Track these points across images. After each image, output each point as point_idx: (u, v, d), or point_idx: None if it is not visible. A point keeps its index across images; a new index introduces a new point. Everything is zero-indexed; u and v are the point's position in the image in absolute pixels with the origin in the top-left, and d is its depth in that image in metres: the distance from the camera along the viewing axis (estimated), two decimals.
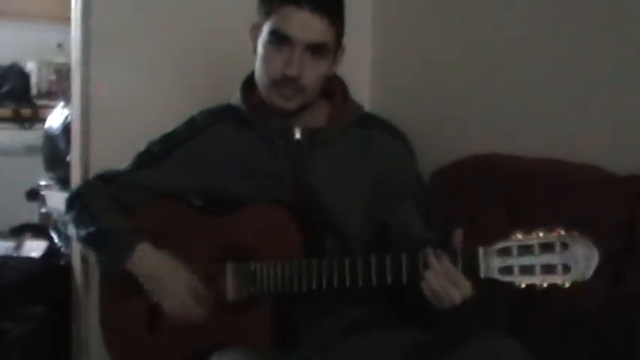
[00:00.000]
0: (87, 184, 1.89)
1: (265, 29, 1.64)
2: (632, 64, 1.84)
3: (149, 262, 1.65)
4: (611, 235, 1.71)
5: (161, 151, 1.79)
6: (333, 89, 1.73)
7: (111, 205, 1.76)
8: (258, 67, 1.68)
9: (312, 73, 1.63)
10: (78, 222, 1.77)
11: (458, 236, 1.47)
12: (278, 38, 1.61)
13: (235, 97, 1.77)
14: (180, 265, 1.66)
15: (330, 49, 1.64)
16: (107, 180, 1.82)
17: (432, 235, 1.67)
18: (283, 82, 1.62)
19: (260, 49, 1.66)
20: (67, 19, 2.46)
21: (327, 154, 1.70)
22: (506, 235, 1.40)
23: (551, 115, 2.03)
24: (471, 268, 1.42)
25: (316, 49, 1.61)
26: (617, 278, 1.68)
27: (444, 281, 1.43)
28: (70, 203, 1.82)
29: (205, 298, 1.65)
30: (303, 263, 1.57)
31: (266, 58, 1.64)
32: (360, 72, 2.56)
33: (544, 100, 2.05)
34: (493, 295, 1.44)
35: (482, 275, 1.41)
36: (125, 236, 1.68)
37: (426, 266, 1.45)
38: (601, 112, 1.91)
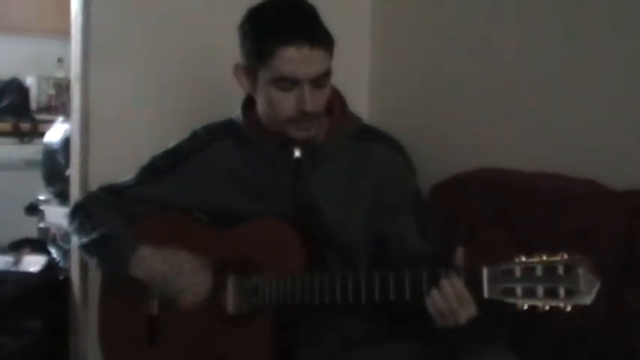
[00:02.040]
0: (90, 195, 1.90)
1: (265, 75, 1.61)
2: (628, 80, 1.84)
3: (152, 262, 1.66)
4: (610, 249, 1.70)
5: (165, 166, 1.80)
6: (332, 104, 1.72)
7: (113, 213, 1.76)
8: (265, 109, 1.66)
9: (321, 100, 1.64)
10: (80, 231, 1.79)
11: (459, 255, 1.46)
12: (284, 82, 1.59)
13: (236, 113, 1.77)
14: (182, 256, 1.65)
15: (331, 71, 1.64)
16: (113, 192, 1.83)
17: (429, 249, 1.67)
18: (300, 118, 1.62)
19: (262, 93, 1.64)
20: (67, 34, 2.46)
21: (327, 169, 1.70)
22: (508, 252, 1.39)
23: (549, 130, 2.04)
24: (474, 288, 1.41)
25: (321, 78, 1.61)
26: (617, 294, 1.67)
27: (452, 302, 1.42)
28: (74, 213, 1.84)
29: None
30: (306, 278, 1.57)
31: (275, 102, 1.62)
32: (358, 86, 2.57)
33: (543, 116, 2.05)
34: (494, 312, 1.43)
35: (485, 295, 1.40)
36: (126, 240, 1.69)
37: (435, 286, 1.44)
38: (599, 127, 1.91)
